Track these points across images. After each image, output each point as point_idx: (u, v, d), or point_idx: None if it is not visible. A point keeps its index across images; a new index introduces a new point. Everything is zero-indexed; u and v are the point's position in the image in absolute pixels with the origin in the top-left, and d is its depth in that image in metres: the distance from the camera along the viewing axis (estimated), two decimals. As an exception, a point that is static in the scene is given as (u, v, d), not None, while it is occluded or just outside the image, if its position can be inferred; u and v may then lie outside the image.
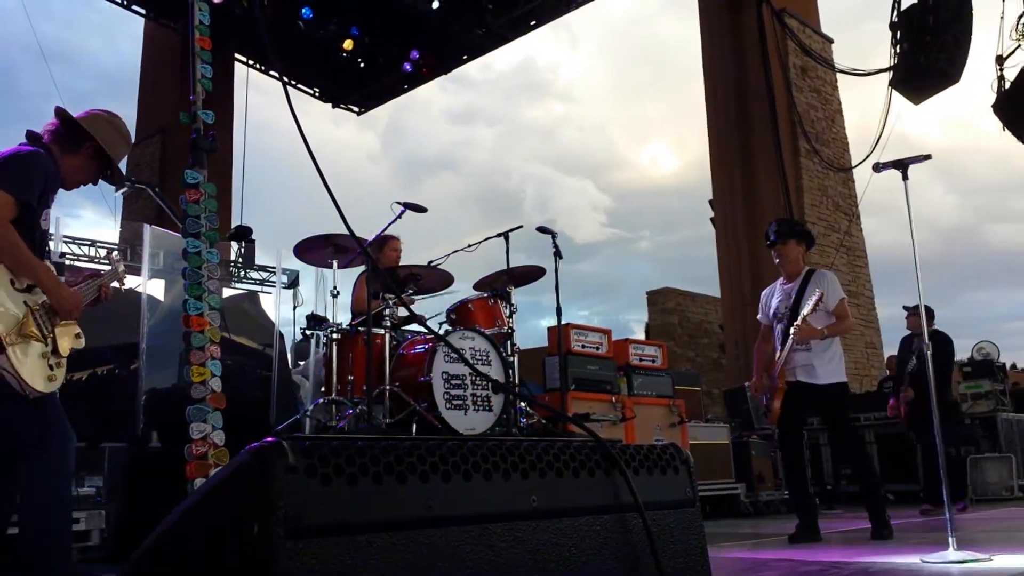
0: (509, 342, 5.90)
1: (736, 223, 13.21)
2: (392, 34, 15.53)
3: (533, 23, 15.96)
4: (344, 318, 5.77)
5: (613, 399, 7.41)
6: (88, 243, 13.42)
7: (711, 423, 8.91)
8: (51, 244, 3.30)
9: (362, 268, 5.97)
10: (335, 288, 5.48)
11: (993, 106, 11.77)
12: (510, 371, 5.73)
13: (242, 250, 14.12)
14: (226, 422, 3.21)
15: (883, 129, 12.69)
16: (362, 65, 16.48)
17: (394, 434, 4.93)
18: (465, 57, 16.84)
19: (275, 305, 7.45)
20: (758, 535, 6.05)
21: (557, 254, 6.29)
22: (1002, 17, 11.86)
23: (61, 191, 3.21)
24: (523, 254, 6.24)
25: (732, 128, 13.61)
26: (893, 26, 11.76)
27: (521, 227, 6.38)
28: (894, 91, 12.21)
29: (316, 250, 5.54)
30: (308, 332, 6.33)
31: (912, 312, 8.34)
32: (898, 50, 11.74)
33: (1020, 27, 11.40)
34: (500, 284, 6.16)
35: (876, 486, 5.53)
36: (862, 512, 5.38)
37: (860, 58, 14.12)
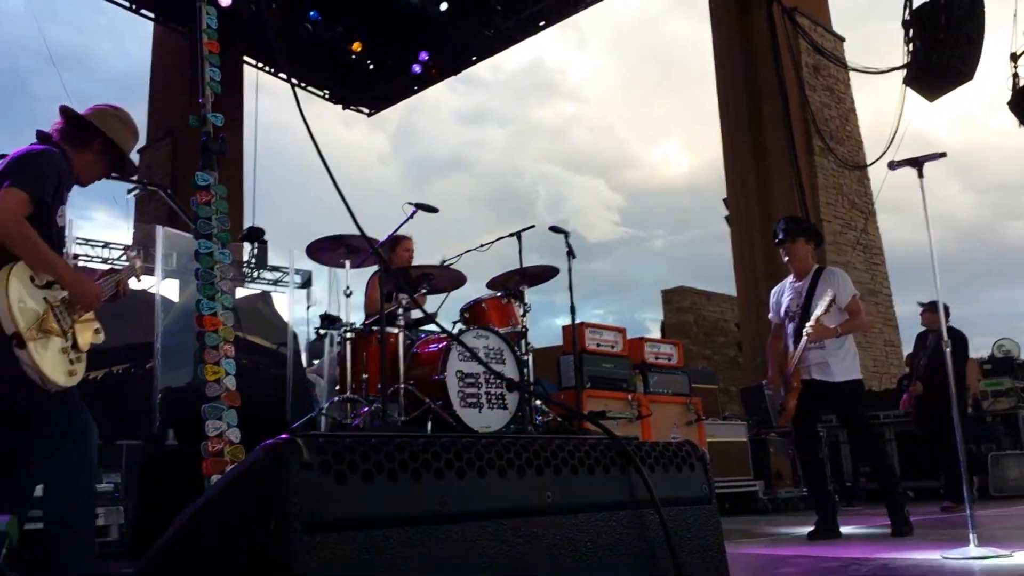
0: (523, 341, 5.90)
1: (751, 221, 13.17)
2: (401, 36, 15.54)
3: (542, 23, 15.94)
4: (357, 318, 5.79)
5: (629, 397, 7.40)
6: (101, 244, 13.51)
7: (728, 421, 8.89)
8: (64, 245, 3.31)
9: (375, 268, 5.98)
10: (348, 288, 5.49)
11: (1008, 103, 11.70)
12: (524, 370, 5.73)
13: (255, 251, 14.16)
14: (241, 421, 3.22)
15: (897, 127, 12.64)
16: (371, 67, 16.50)
17: (409, 432, 4.93)
18: (474, 58, 16.84)
19: (288, 305, 7.49)
20: (776, 532, 6.02)
21: (570, 253, 6.28)
22: (1015, 14, 11.81)
23: (76, 190, 3.23)
24: (536, 254, 6.24)
25: (745, 127, 13.57)
26: (905, 24, 11.72)
27: (533, 227, 6.37)
28: (908, 89, 12.15)
29: (328, 250, 5.55)
30: (322, 331, 6.34)
31: (927, 308, 8.32)
32: (911, 48, 11.70)
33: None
34: (513, 283, 6.16)
35: (894, 483, 5.50)
36: (882, 509, 5.35)
37: (873, 56, 14.03)
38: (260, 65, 16.65)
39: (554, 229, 6.32)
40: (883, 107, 13.58)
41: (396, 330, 5.39)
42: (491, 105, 46.18)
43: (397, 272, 5.64)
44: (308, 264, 10.13)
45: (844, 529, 5.38)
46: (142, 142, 3.28)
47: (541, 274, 6.28)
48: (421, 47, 15.97)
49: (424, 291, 5.70)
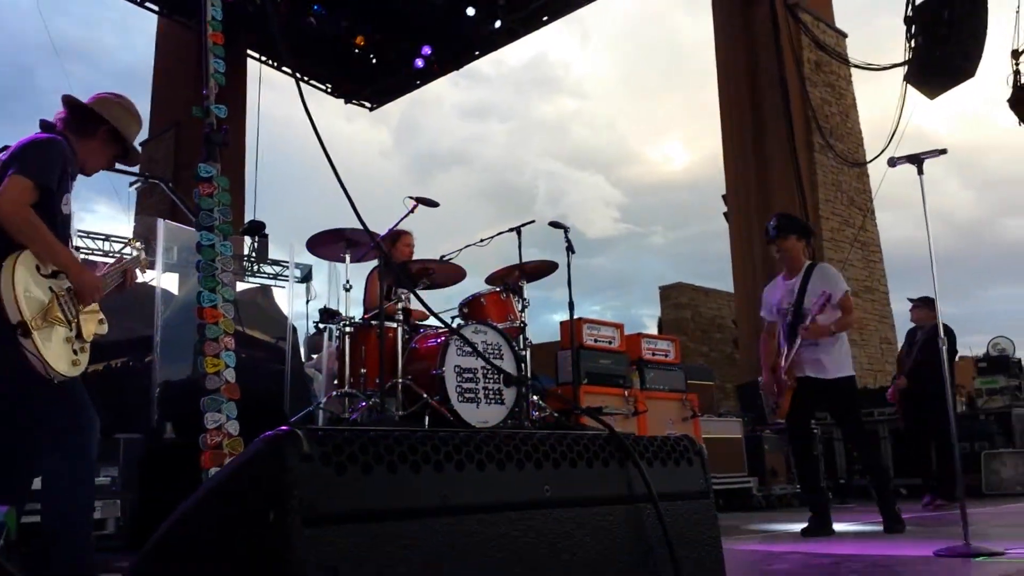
0: (521, 336, 5.91)
1: (749, 218, 13.18)
2: (404, 29, 15.54)
3: (545, 18, 15.93)
4: (356, 312, 5.80)
5: (625, 393, 7.42)
6: (102, 237, 13.52)
7: (724, 417, 8.91)
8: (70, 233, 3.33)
9: (375, 263, 5.99)
10: (348, 282, 5.50)
11: (1009, 101, 11.70)
12: (522, 365, 5.74)
13: (255, 244, 14.15)
14: (240, 414, 3.23)
15: (898, 124, 12.64)
16: (374, 61, 16.50)
17: (407, 426, 4.95)
18: (477, 53, 16.83)
19: (288, 299, 7.50)
20: (770, 528, 6.04)
21: (569, 249, 6.29)
22: (1018, 11, 11.81)
23: (78, 182, 3.23)
24: (535, 249, 6.25)
25: (745, 123, 13.57)
26: (908, 20, 11.71)
27: (533, 222, 6.37)
28: (909, 86, 12.15)
29: (329, 244, 5.57)
30: (321, 326, 6.35)
31: (916, 304, 8.36)
32: (913, 44, 11.69)
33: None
34: (512, 278, 6.17)
35: (887, 480, 5.52)
36: (875, 506, 5.37)
37: (874, 53, 14.06)
38: (263, 58, 16.64)
39: (554, 224, 6.33)
40: (884, 104, 13.58)
41: (395, 325, 5.40)
42: (493, 100, 46.17)
43: (397, 267, 5.65)
44: (308, 258, 10.13)
45: (837, 526, 5.40)
46: (145, 135, 3.29)
47: (540, 269, 6.29)
48: (424, 41, 15.96)
49: (424, 285, 5.71)
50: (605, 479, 1.79)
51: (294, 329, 6.91)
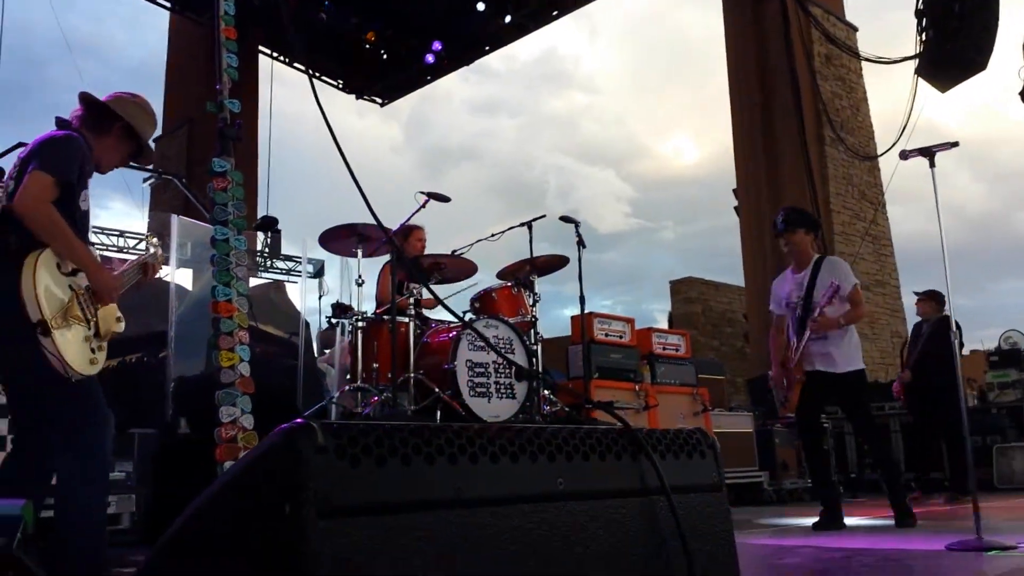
0: (532, 331, 5.92)
1: (760, 212, 13.14)
2: (414, 25, 15.54)
3: (555, 13, 15.91)
4: (369, 307, 5.82)
5: (636, 387, 7.42)
6: (116, 233, 13.59)
7: (735, 411, 8.90)
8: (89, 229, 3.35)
9: (387, 258, 6.00)
10: (360, 277, 5.51)
11: (1021, 93, 11.62)
12: (533, 359, 5.75)
13: (268, 240, 14.22)
14: (253, 409, 3.24)
15: (909, 117, 12.58)
16: (385, 56, 16.51)
17: (419, 421, 4.97)
18: (487, 48, 16.82)
19: (301, 294, 7.53)
20: (781, 523, 6.04)
21: (580, 243, 6.29)
22: (1030, 3, 11.72)
23: (95, 176, 3.25)
24: (546, 243, 6.26)
25: (756, 117, 13.52)
26: (919, 13, 11.64)
27: (544, 216, 6.37)
28: (920, 79, 12.09)
29: (341, 239, 5.58)
30: (333, 321, 6.37)
31: (922, 298, 8.34)
32: (924, 37, 11.62)
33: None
34: (523, 273, 6.17)
35: (898, 474, 5.51)
36: (886, 501, 5.37)
37: (885, 46, 13.98)
38: (275, 55, 16.67)
39: (565, 219, 6.32)
40: (895, 97, 13.52)
41: (407, 320, 5.42)
42: (503, 95, 46.13)
43: (409, 261, 5.67)
44: (321, 254, 10.16)
45: (848, 520, 5.40)
46: (157, 132, 3.31)
47: (551, 264, 6.28)
48: (434, 37, 15.96)
49: (435, 280, 5.73)
50: (618, 472, 1.80)
51: (307, 324, 6.93)
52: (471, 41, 16.32)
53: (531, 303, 6.02)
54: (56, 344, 2.78)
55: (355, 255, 5.57)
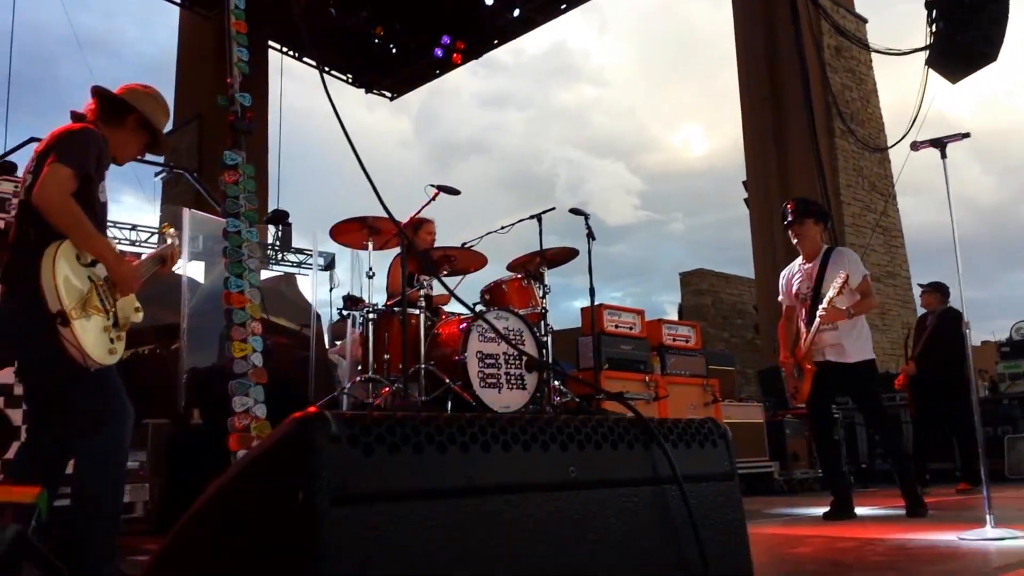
0: (542, 322, 5.93)
1: (770, 204, 13.10)
2: (423, 19, 15.52)
3: (564, 6, 15.86)
4: (379, 299, 5.83)
5: (646, 378, 7.43)
6: (129, 227, 13.65)
7: (745, 402, 8.90)
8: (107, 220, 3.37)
9: (397, 251, 6.02)
10: (370, 269, 5.53)
11: (1032, 84, 11.55)
12: (543, 351, 5.76)
13: (279, 233, 14.24)
14: (265, 401, 3.26)
15: (919, 108, 12.52)
16: (394, 51, 16.50)
17: (430, 411, 4.99)
18: (496, 42, 16.79)
19: (312, 287, 7.55)
20: (793, 512, 6.04)
21: (590, 235, 6.28)
22: (1041, -7, 11.65)
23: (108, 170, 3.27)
24: (555, 236, 6.25)
25: (765, 109, 13.48)
26: (928, 4, 11.57)
27: (554, 209, 6.37)
28: (930, 70, 12.03)
29: (351, 232, 5.60)
30: (345, 313, 6.39)
31: (926, 290, 8.33)
32: (934, 29, 11.56)
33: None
34: (533, 265, 6.18)
35: (908, 464, 5.50)
36: (897, 491, 5.36)
37: (895, 37, 13.97)
38: (284, 49, 16.68)
39: (574, 211, 6.33)
40: (905, 89, 13.47)
41: (417, 311, 5.44)
42: (512, 89, 46.17)
43: (420, 253, 5.68)
44: (331, 247, 10.20)
45: (859, 510, 5.40)
46: (168, 126, 3.32)
47: (561, 256, 6.29)
48: (443, 31, 15.95)
49: (445, 273, 5.74)
50: (630, 461, 1.80)
51: (318, 316, 6.95)
52: (480, 35, 16.29)
53: (541, 295, 6.03)
54: (75, 334, 2.80)
55: (366, 248, 5.59)
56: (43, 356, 2.87)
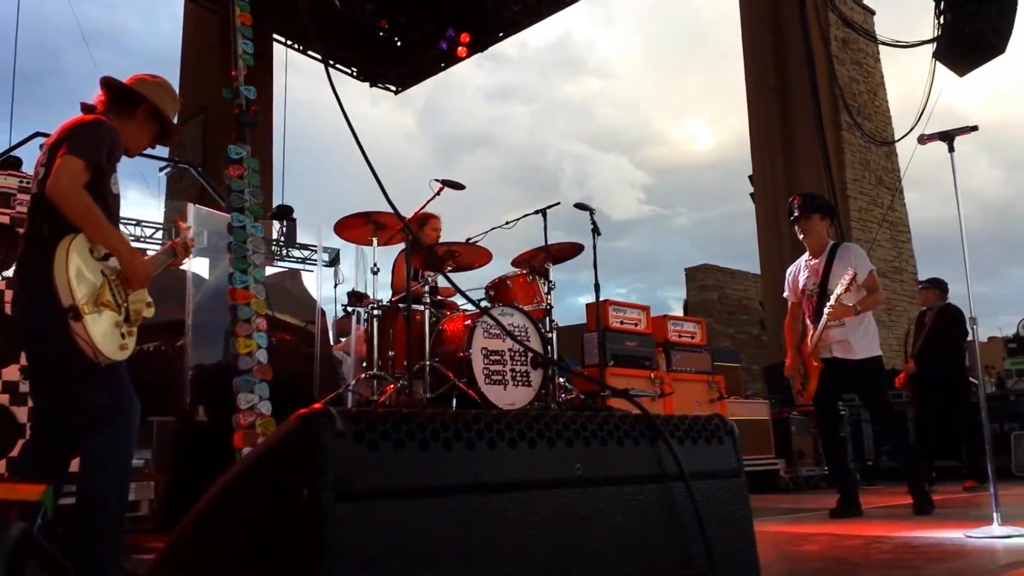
0: (547, 318, 5.91)
1: (776, 198, 13.07)
2: (428, 12, 15.50)
3: (569, -2, 15.83)
4: (384, 295, 5.83)
5: (652, 375, 7.41)
6: (133, 223, 13.65)
7: (751, 399, 8.88)
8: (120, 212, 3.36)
9: (402, 247, 6.01)
10: (375, 265, 5.52)
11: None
12: (548, 347, 5.75)
13: (283, 229, 14.24)
14: (269, 397, 3.26)
15: (927, 102, 12.48)
16: (398, 44, 16.48)
17: (435, 408, 4.98)
18: (501, 34, 16.76)
19: (316, 283, 7.55)
20: (799, 510, 6.03)
21: (595, 230, 6.27)
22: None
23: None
24: (560, 231, 6.25)
25: (772, 102, 13.43)
26: (937, -4, 11.55)
27: (559, 204, 6.35)
28: (938, 63, 11.99)
29: (356, 228, 5.59)
30: (349, 309, 6.39)
31: (924, 287, 8.32)
32: (942, 21, 11.52)
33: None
34: (538, 261, 6.17)
35: (915, 461, 5.48)
36: (903, 487, 5.35)
37: (903, 30, 13.85)
38: (289, 43, 16.66)
39: (579, 206, 6.30)
40: (912, 82, 13.43)
41: (422, 308, 5.43)
42: (517, 82, 46.15)
43: (425, 249, 5.67)
44: (336, 242, 10.19)
45: (866, 507, 5.38)
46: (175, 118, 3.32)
47: (566, 251, 6.27)
48: (447, 23, 15.91)
49: (450, 269, 5.73)
50: (636, 458, 1.79)
51: (323, 312, 6.95)
52: (485, 27, 16.26)
53: (546, 291, 6.01)
54: (87, 329, 2.79)
55: (370, 243, 5.58)
56: (54, 350, 2.87)
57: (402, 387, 5.13)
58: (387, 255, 7.06)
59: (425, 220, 6.16)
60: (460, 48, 16.28)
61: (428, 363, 5.28)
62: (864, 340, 5.34)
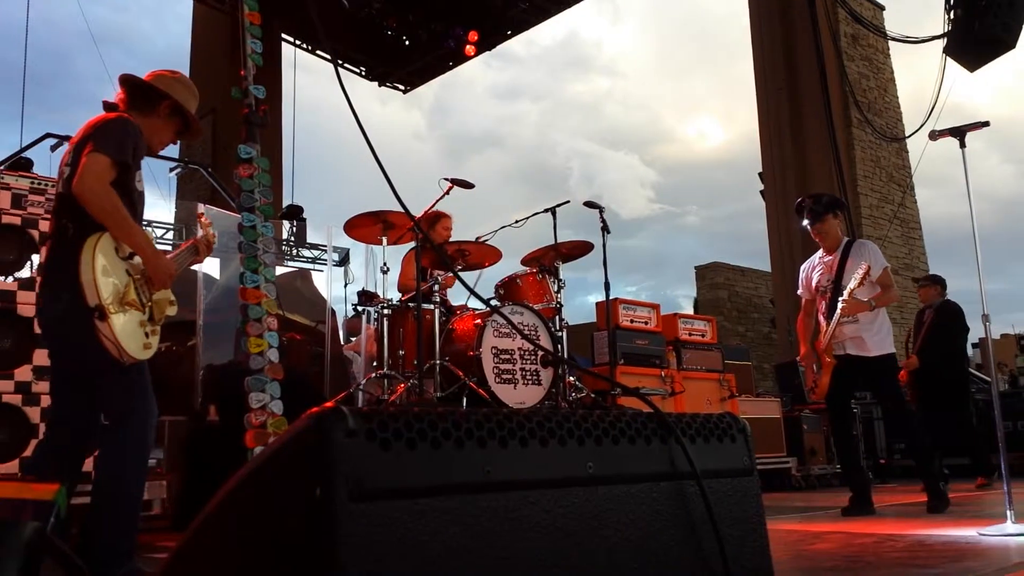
0: (557, 317, 5.91)
1: (787, 196, 13.02)
2: (436, 11, 15.50)
3: (577, -6, 15.80)
4: (394, 294, 5.83)
5: (662, 373, 7.39)
6: (144, 223, 13.68)
7: (762, 397, 8.86)
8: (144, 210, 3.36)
9: (411, 245, 6.01)
10: (385, 265, 5.53)
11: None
12: (559, 346, 5.74)
13: (293, 229, 14.26)
14: (281, 396, 3.26)
15: (937, 98, 12.42)
16: (407, 43, 16.48)
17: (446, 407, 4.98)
18: (509, 32, 16.74)
19: (327, 282, 7.57)
20: (811, 508, 6.01)
21: (604, 229, 6.25)
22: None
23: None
24: (570, 230, 6.23)
25: (782, 99, 13.39)
26: (946, -9, 11.49)
27: (568, 202, 6.34)
28: (948, 59, 11.92)
29: (366, 227, 5.59)
30: (359, 308, 6.40)
31: (923, 285, 8.29)
32: (952, 16, 11.46)
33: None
34: (548, 259, 6.16)
35: (929, 459, 5.46)
36: (916, 485, 5.32)
37: (912, 25, 13.87)
38: (297, 42, 16.68)
39: (589, 204, 6.29)
40: (922, 78, 13.37)
41: (432, 307, 5.43)
42: (525, 80, 46.14)
43: (435, 248, 5.67)
44: (346, 242, 10.20)
45: (878, 505, 5.35)
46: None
47: (576, 250, 6.27)
48: (456, 22, 15.91)
49: (460, 268, 5.73)
50: (648, 456, 1.78)
51: (333, 312, 6.96)
52: (493, 26, 16.25)
53: (556, 289, 6.01)
54: (112, 329, 2.80)
55: (380, 243, 5.58)
56: (80, 350, 2.87)
57: (412, 386, 5.13)
58: (397, 254, 7.06)
59: (437, 219, 6.16)
60: (468, 47, 16.27)
61: (438, 362, 5.28)
62: (878, 337, 5.32)
